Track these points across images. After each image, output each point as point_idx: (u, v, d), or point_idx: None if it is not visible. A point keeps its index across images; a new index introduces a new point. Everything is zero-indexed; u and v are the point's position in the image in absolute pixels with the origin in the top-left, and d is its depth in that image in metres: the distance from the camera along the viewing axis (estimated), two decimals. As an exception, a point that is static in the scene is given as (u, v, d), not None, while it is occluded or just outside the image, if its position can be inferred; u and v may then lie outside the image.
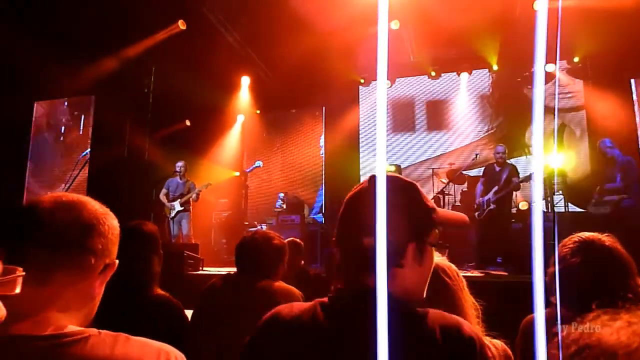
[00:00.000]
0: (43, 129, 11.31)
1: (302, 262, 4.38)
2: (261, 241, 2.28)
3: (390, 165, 9.60)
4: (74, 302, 0.87)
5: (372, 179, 1.01)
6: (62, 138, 11.21)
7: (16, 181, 10.67)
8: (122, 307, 1.23)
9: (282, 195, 10.09)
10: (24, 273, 0.72)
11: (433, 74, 10.04)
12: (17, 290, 0.70)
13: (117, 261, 0.96)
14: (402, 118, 10.60)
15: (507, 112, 9.86)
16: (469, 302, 1.36)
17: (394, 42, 8.85)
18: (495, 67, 9.60)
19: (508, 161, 7.05)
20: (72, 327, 0.84)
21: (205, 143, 10.49)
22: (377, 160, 0.75)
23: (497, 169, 6.81)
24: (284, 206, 9.92)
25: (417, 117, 10.56)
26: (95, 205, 0.94)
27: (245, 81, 10.50)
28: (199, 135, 10.31)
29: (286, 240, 2.59)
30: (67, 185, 10.72)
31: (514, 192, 6.96)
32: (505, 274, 5.75)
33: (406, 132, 10.51)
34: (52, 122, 11.19)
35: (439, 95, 10.45)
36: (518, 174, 6.83)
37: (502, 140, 9.72)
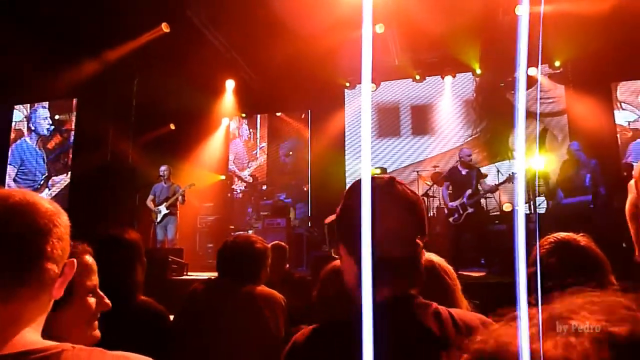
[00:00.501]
0: (23, 133, 11.15)
1: (287, 265, 4.38)
2: (243, 245, 2.26)
3: (376, 168, 9.67)
4: (40, 313, 0.83)
5: (392, 181, 1.04)
6: (43, 142, 11.05)
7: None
8: (107, 315, 1.21)
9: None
10: None
11: (417, 77, 10.14)
12: None
13: (74, 260, 0.89)
14: (387, 123, 10.68)
15: (491, 116, 9.97)
16: (465, 302, 1.39)
17: (379, 46, 8.89)
18: (478, 72, 9.72)
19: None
20: (43, 342, 0.80)
21: (190, 147, 10.47)
22: (363, 163, 0.74)
23: (464, 172, 6.76)
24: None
25: (402, 121, 10.65)
26: (45, 204, 0.86)
27: (230, 84, 10.51)
28: (184, 139, 10.33)
29: (270, 244, 2.58)
30: (50, 191, 10.81)
31: (490, 194, 7.04)
32: (484, 274, 5.87)
33: (391, 137, 10.59)
34: (33, 127, 11.03)
35: (423, 100, 10.55)
36: (484, 176, 6.87)
37: (486, 145, 9.88)
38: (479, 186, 6.64)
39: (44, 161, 10.87)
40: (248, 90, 10.56)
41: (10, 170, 10.93)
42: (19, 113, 11.17)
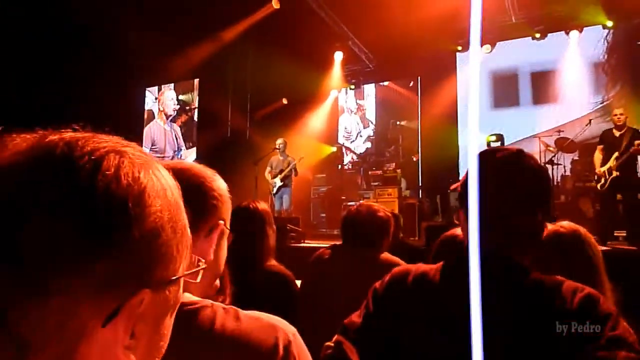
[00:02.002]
0: (154, 114, 12.24)
1: (401, 234, 4.38)
2: (366, 214, 2.32)
3: (491, 135, 9.17)
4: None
5: (520, 153, 1.08)
6: (172, 121, 12.03)
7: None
8: (241, 279, 1.33)
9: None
10: (205, 265, 0.73)
11: (538, 35, 9.34)
12: (198, 279, 0.69)
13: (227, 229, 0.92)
14: (504, 91, 10.02)
15: (626, 78, 8.90)
16: (608, 284, 1.29)
17: (493, 3, 8.37)
18: (609, 24, 8.71)
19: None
20: (188, 297, 0.82)
21: (302, 120, 10.78)
22: (470, 132, 0.74)
23: (617, 133, 6.17)
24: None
25: (521, 89, 9.92)
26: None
27: (338, 56, 10.55)
28: (296, 112, 10.67)
29: (388, 213, 2.60)
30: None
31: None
32: (634, 248, 5.25)
33: (509, 106, 9.94)
34: (161, 107, 12.05)
35: (544, 62, 9.67)
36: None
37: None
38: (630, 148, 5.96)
39: (174, 138, 11.80)
40: (355, 61, 10.56)
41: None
42: (150, 95, 12.27)
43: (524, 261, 1.01)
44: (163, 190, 0.48)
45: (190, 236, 0.52)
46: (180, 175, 0.70)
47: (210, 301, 0.83)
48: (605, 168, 6.10)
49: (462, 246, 1.87)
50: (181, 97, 12.05)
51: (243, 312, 0.83)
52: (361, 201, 9.69)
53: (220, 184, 0.92)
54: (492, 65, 10.04)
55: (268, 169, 8.71)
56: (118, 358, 0.44)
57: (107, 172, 0.43)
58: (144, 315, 0.45)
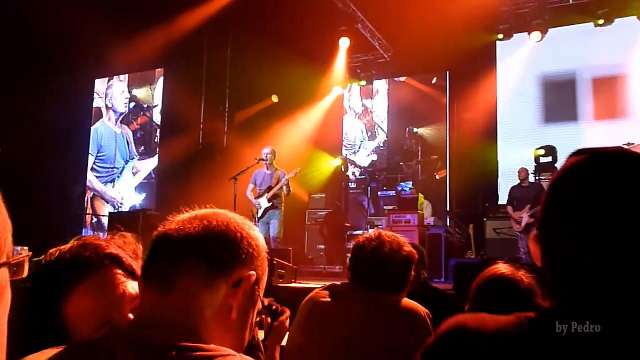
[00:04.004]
0: (101, 113, 12.16)
1: (425, 274, 4.29)
2: (389, 247, 2.25)
3: (540, 148, 9.07)
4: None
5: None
6: (124, 123, 11.93)
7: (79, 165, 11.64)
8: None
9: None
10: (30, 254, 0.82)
11: (601, 22, 9.18)
12: (25, 274, 0.80)
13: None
14: (558, 101, 10.01)
15: None
16: None
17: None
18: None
19: None
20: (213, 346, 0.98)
21: (296, 124, 10.69)
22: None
23: None
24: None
25: (579, 99, 9.88)
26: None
27: (344, 44, 10.31)
28: (288, 114, 10.49)
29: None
30: (135, 177, 11.53)
31: None
32: None
33: (565, 121, 9.95)
34: (110, 104, 12.00)
35: (609, 65, 9.54)
36: None
37: None
38: None
39: (126, 144, 11.71)
40: (366, 50, 10.52)
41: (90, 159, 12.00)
42: (101, 87, 12.21)
43: None
44: None
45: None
46: (207, 219, 1.04)
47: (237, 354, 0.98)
48: None
49: (522, 292, 1.86)
50: (137, 92, 11.98)
51: None
52: (373, 230, 9.62)
53: (254, 232, 1.10)
54: (543, 65, 10.02)
55: (251, 185, 8.53)
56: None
57: None
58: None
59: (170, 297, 0.98)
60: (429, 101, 10.99)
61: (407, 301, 2.29)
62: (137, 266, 1.24)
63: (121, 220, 8.43)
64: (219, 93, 10.88)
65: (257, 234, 1.09)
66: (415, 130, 10.92)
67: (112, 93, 12.19)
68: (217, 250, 1.01)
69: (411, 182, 10.22)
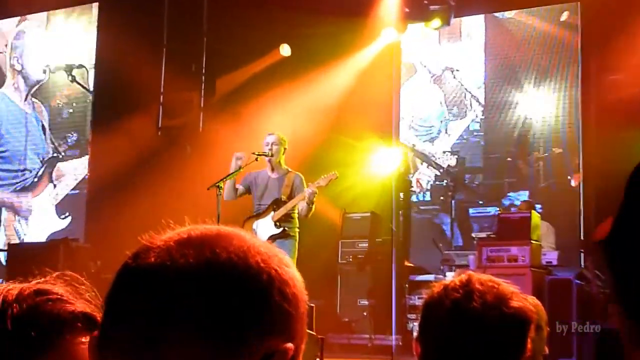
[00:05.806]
0: (4, 77, 10.00)
1: (547, 350, 3.47)
2: (480, 300, 1.78)
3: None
4: None
5: None
6: (40, 98, 9.75)
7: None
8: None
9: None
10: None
11: None
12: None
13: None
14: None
15: None
16: None
17: None
18: None
19: None
20: None
21: (320, 92, 8.81)
22: None
23: None
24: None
25: None
26: None
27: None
28: (304, 77, 8.62)
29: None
30: (55, 189, 9.20)
31: None
32: None
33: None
34: (19, 64, 9.58)
35: None
36: None
37: None
38: None
39: (41, 132, 9.60)
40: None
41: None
42: (2, 38, 10.01)
43: None
44: None
45: None
46: (210, 245, 0.76)
47: None
48: None
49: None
50: (61, 42, 9.61)
51: None
52: (455, 272, 7.77)
53: (290, 271, 0.82)
54: None
55: (240, 189, 7.18)
56: None
57: None
58: None
59: None
60: (553, 51, 8.84)
61: None
62: None
63: (28, 257, 7.27)
64: (191, 43, 8.67)
65: (293, 273, 0.81)
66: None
67: (23, 45, 9.86)
68: (228, 309, 0.71)
69: (528, 192, 8.46)
